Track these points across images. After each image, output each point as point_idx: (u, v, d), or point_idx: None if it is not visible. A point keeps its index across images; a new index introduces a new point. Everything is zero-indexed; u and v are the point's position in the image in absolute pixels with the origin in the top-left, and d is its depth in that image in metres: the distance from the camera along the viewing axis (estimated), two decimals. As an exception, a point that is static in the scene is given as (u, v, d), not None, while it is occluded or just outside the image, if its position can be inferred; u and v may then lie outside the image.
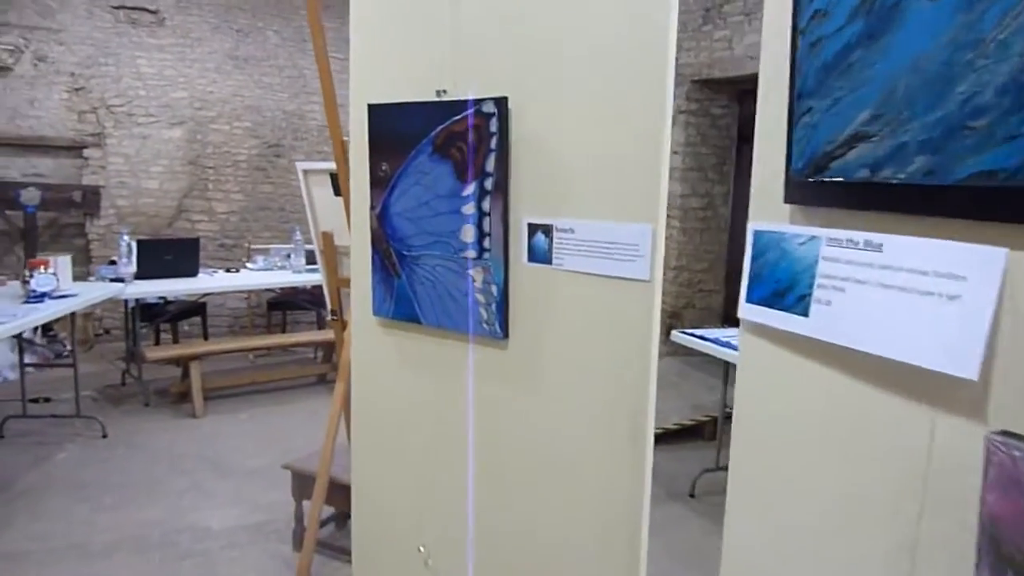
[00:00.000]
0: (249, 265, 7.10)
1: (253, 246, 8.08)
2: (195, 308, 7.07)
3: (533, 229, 1.85)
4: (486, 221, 1.89)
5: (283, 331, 7.89)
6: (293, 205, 8.62)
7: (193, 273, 6.18)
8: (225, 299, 8.15)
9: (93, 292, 5.26)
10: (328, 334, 6.63)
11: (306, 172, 3.56)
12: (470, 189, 1.91)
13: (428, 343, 2.11)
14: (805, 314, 1.05)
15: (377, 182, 2.10)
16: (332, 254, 3.59)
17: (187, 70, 8.14)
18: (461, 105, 1.89)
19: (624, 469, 1.72)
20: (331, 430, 3.50)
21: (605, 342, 1.75)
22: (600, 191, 1.73)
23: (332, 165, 3.49)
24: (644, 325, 1.68)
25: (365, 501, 2.37)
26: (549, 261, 1.83)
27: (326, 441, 3.47)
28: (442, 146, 1.94)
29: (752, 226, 1.22)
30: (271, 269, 6.85)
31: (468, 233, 1.93)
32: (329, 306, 3.77)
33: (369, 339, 2.26)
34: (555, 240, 1.82)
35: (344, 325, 3.81)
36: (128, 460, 4.91)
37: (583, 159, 1.75)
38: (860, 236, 0.97)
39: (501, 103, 1.82)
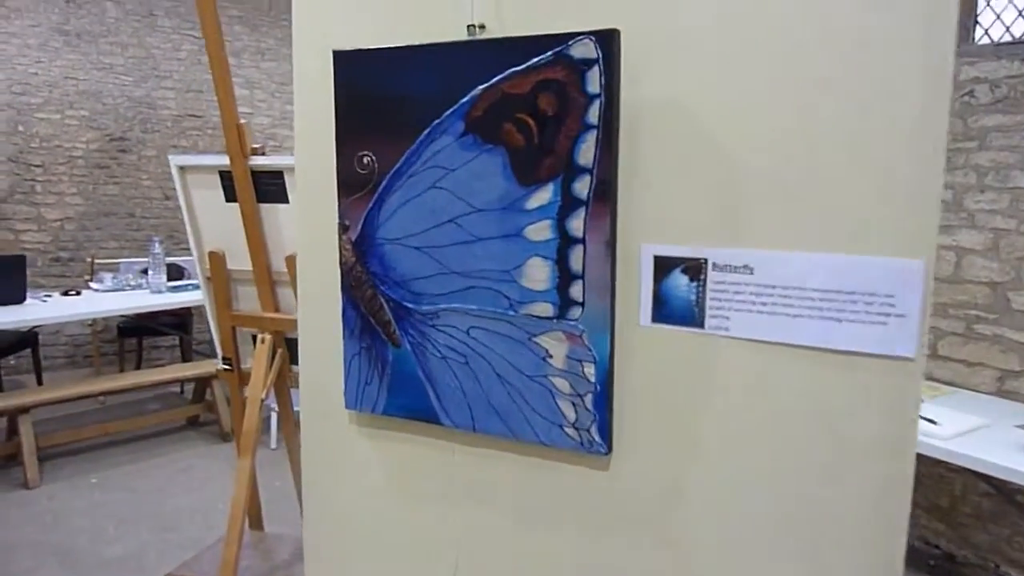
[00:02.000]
0: (94, 285, 5.77)
1: (97, 260, 6.69)
2: (23, 340, 5.66)
3: (666, 266, 1.06)
4: (575, 252, 1.07)
5: (139, 364, 6.56)
6: (147, 210, 7.28)
7: (19, 299, 4.84)
8: (63, 325, 6.70)
9: None
10: (202, 366, 5.47)
11: (183, 169, 2.55)
12: (543, 196, 1.08)
13: (455, 461, 1.26)
14: None
15: (351, 185, 1.23)
16: (223, 281, 2.61)
17: (2, 46, 6.61)
18: (524, 48, 1.06)
19: None
20: (235, 525, 2.53)
21: (817, 480, 0.99)
22: (809, 201, 0.96)
23: (222, 160, 2.51)
24: (901, 446, 0.94)
25: None
26: (697, 322, 1.04)
27: (228, 539, 2.50)
28: (484, 122, 1.10)
29: None
30: (122, 289, 5.57)
31: (538, 273, 1.10)
32: (220, 352, 2.77)
33: (338, 450, 1.37)
34: (710, 285, 1.03)
35: (242, 378, 2.83)
36: (-71, 561, 3.63)
37: (773, 143, 0.97)
38: None
39: (607, 41, 1.01)
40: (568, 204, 1.06)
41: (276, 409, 3.60)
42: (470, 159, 1.12)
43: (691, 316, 1.05)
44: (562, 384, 1.12)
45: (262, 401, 2.56)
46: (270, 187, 2.41)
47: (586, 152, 1.04)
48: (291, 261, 2.42)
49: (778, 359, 0.99)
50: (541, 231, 1.09)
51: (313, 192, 1.31)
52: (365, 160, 1.21)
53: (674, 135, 1.02)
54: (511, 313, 1.13)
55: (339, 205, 1.25)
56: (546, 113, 1.06)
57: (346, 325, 1.28)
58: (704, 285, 1.03)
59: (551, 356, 1.12)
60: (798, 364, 0.98)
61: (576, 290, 1.08)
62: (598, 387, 1.09)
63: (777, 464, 1.01)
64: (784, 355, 0.99)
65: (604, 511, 1.14)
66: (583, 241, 1.06)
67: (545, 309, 1.11)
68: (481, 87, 1.09)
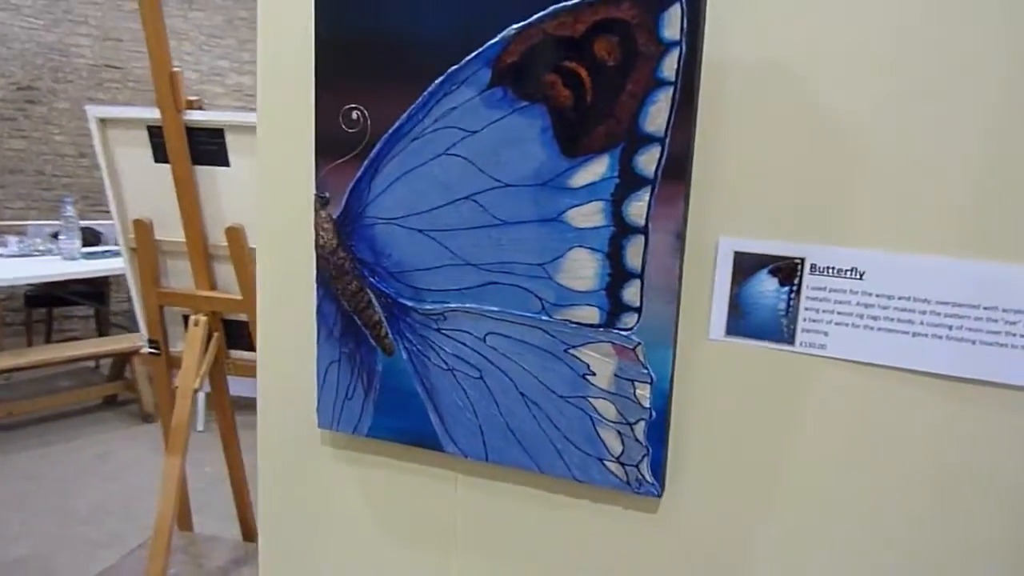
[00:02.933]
0: (-3, 249, 5.23)
1: (2, 222, 6.10)
2: (-88, 309, 5.10)
3: (749, 266, 0.83)
4: (633, 245, 0.84)
5: (49, 337, 6.05)
6: (59, 167, 6.68)
7: (-94, 263, 4.32)
8: (-41, 292, 6.11)
9: None
10: (120, 341, 5.03)
11: (104, 123, 2.19)
12: (595, 171, 0.84)
13: (459, 498, 1.02)
14: None
15: (334, 147, 0.96)
16: (150, 253, 2.28)
17: None
18: (578, -25, 0.81)
19: None
20: (162, 534, 2.24)
21: (943, 551, 0.79)
22: (943, 192, 0.75)
23: (151, 113, 2.18)
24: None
25: None
26: (785, 336, 0.83)
27: (153, 550, 2.21)
28: (519, 72, 0.85)
29: None
30: (30, 255, 5.07)
31: (582, 269, 0.87)
32: (145, 333, 2.45)
33: (307, 478, 1.11)
34: (806, 292, 0.81)
35: (170, 362, 2.52)
36: None
37: (899, 116, 0.75)
38: None
39: (693, -28, 0.77)
40: (628, 183, 0.83)
41: (204, 390, 3.26)
42: (498, 119, 0.87)
43: (777, 329, 0.83)
44: (606, 408, 0.89)
45: (195, 391, 2.25)
46: (208, 147, 2.09)
47: (656, 117, 0.80)
48: (234, 234, 2.11)
49: (892, 388, 0.79)
50: (589, 216, 0.85)
51: (278, 155, 1.04)
52: (354, 115, 0.94)
53: (769, 101, 0.79)
54: (543, 318, 0.90)
55: (316, 172, 0.97)
56: (604, 63, 0.81)
57: (322, 324, 1.02)
58: (798, 291, 0.82)
59: (593, 373, 0.89)
60: (919, 395, 0.78)
61: (632, 292, 0.85)
62: (654, 414, 0.87)
63: (884, 524, 0.81)
64: (900, 383, 0.79)
65: (651, 566, 0.92)
66: (645, 230, 0.83)
67: (589, 315, 0.87)
68: (516, 26, 0.84)
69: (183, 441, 2.22)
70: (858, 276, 0.79)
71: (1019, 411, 0.75)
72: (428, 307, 0.95)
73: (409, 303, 0.96)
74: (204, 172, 2.09)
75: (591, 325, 0.87)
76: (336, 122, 0.95)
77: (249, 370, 2.43)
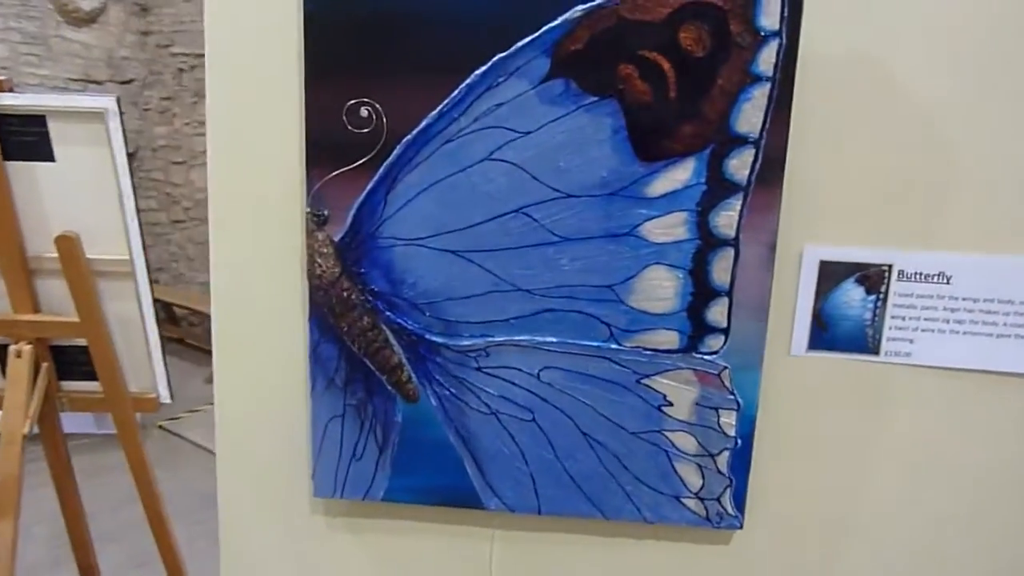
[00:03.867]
0: None
1: None
2: None
3: (834, 275, 0.78)
4: (721, 259, 0.75)
5: None
6: None
7: None
8: None
9: None
10: None
11: None
12: (678, 177, 0.73)
13: (498, 557, 0.88)
14: None
15: (336, 152, 0.76)
16: None
17: None
18: (659, -51, 0.69)
19: None
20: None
21: None
22: (1005, 191, 0.74)
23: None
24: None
25: None
26: (870, 347, 0.79)
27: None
28: (586, 61, 0.72)
29: None
30: None
31: (660, 289, 0.76)
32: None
33: (296, 560, 0.90)
34: (893, 299, 0.78)
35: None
36: None
37: (987, 110, 0.73)
38: None
39: (793, -47, 0.69)
40: (717, 190, 0.73)
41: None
42: (558, 117, 0.73)
43: (862, 340, 0.79)
44: (685, 442, 0.80)
45: (24, 437, 1.85)
46: (26, 138, 1.68)
47: (751, 116, 0.71)
48: (66, 244, 1.73)
49: (980, 392, 0.78)
50: (671, 229, 0.74)
51: (241, 160, 0.81)
52: (363, 113, 0.75)
53: (858, 100, 0.73)
54: (612, 347, 0.78)
55: (308, 183, 0.77)
56: (691, 54, 0.71)
57: (319, 372, 0.82)
58: (885, 299, 0.78)
59: (670, 404, 0.79)
60: (1006, 394, 0.78)
61: (718, 312, 0.76)
62: (738, 442, 0.79)
63: (979, 532, 0.81)
64: (987, 386, 0.78)
65: (731, 601, 0.85)
66: (735, 243, 0.74)
67: (668, 339, 0.77)
68: (583, 7, 0.70)
69: (14, 500, 1.80)
70: (945, 281, 0.77)
71: (1093, 404, 0.77)
72: (466, 343, 0.79)
73: (439, 339, 0.79)
74: (20, 169, 1.67)
75: (669, 351, 0.77)
76: (337, 122, 0.75)
77: (88, 404, 2.04)
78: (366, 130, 0.75)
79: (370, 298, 0.79)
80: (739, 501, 0.81)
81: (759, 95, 0.71)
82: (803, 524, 0.83)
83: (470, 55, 0.73)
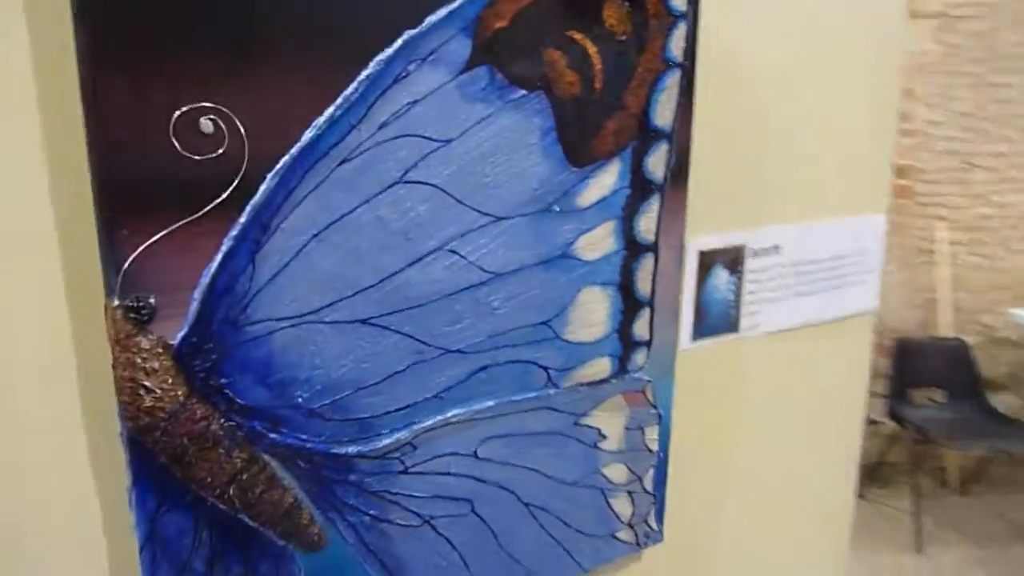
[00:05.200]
0: None
1: None
2: None
3: (707, 263, 0.77)
4: (643, 267, 0.67)
5: None
6: None
7: None
8: None
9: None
10: None
11: None
12: (605, 183, 0.62)
13: None
14: None
15: (157, 198, 0.44)
16: None
17: None
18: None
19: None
20: None
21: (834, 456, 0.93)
22: (821, 162, 0.84)
23: None
24: (853, 401, 0.97)
25: None
26: (732, 325, 0.81)
27: None
28: (511, 44, 0.55)
29: None
30: None
31: (593, 313, 0.64)
32: None
33: None
34: (747, 277, 0.81)
35: None
36: None
37: (805, 96, 0.80)
38: None
39: (689, -72, 0.63)
40: (639, 192, 0.64)
41: None
42: (483, 118, 0.54)
43: (727, 320, 0.80)
44: (618, 473, 0.71)
45: None
46: None
47: (665, 107, 0.64)
48: None
49: (797, 349, 0.87)
50: (601, 243, 0.63)
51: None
52: (206, 127, 0.44)
53: (727, 91, 0.72)
54: (550, 392, 0.64)
55: (111, 257, 0.43)
56: (615, 35, 0.59)
57: (161, 563, 0.48)
58: (741, 279, 0.80)
59: (604, 437, 0.69)
60: (805, 349, 0.88)
61: (642, 325, 0.68)
62: (661, 454, 0.74)
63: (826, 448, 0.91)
64: (802, 342, 0.87)
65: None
66: (654, 247, 0.67)
67: (601, 368, 0.66)
68: (503, -28, 0.53)
69: None
70: (777, 251, 0.83)
71: (856, 329, 0.93)
72: (387, 442, 0.56)
73: (351, 449, 0.54)
74: None
75: (602, 381, 0.67)
76: (161, 144, 0.43)
77: None
78: (212, 155, 0.45)
79: (241, 420, 0.49)
80: (660, 515, 0.76)
81: (672, 84, 0.64)
82: (696, 500, 0.83)
83: (369, 33, 0.49)
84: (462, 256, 0.56)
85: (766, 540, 0.91)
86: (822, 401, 0.92)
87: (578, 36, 0.58)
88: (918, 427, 2.63)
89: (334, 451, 0.54)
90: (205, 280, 0.46)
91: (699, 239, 0.75)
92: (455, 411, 0.59)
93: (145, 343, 0.45)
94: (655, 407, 0.72)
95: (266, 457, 0.51)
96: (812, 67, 0.80)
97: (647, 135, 0.64)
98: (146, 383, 0.45)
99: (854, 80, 0.84)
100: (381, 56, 0.49)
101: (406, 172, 0.52)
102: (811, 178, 0.83)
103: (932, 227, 2.90)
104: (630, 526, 0.74)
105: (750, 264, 0.80)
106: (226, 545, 0.51)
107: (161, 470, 0.47)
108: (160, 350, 0.46)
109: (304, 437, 0.52)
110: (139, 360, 0.45)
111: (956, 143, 2.78)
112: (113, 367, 0.44)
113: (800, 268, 0.85)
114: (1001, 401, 2.91)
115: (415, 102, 0.51)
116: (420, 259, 0.54)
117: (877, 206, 0.91)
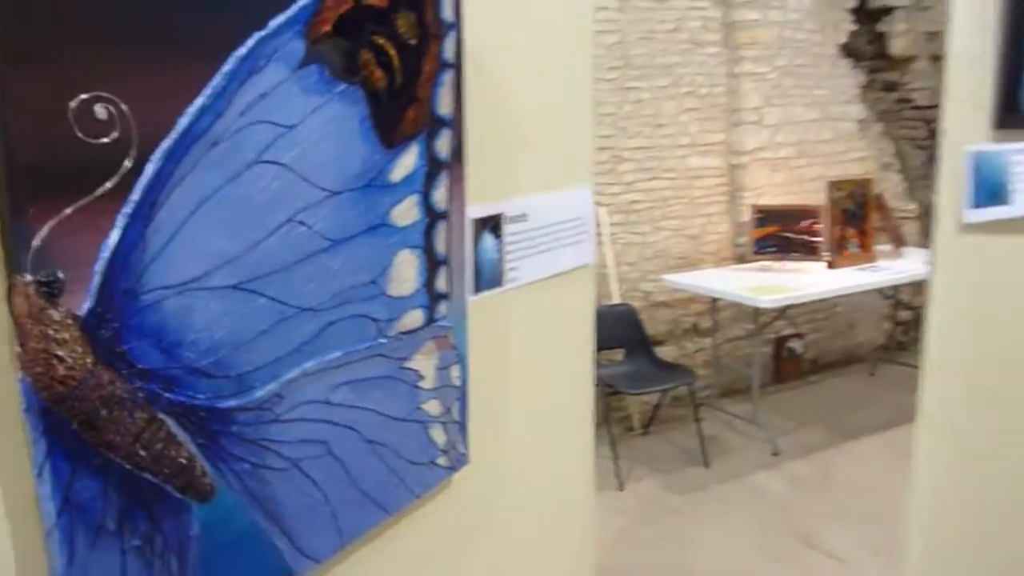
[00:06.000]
0: None
1: None
2: None
3: (479, 228, 0.94)
4: (440, 232, 0.81)
5: None
6: None
7: None
8: None
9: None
10: None
11: None
12: (409, 162, 0.76)
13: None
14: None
15: (58, 181, 0.47)
16: None
17: None
18: (373, -67, 0.68)
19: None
20: None
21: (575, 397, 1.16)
22: (549, 143, 1.07)
23: None
24: (584, 336, 1.23)
25: None
26: (498, 280, 0.99)
27: None
28: (336, 45, 0.65)
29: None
30: None
31: (407, 271, 0.77)
32: None
33: None
34: (506, 240, 0.99)
35: None
36: None
37: (534, 90, 1.01)
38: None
39: (450, -45, 0.78)
40: (433, 169, 0.79)
41: None
42: (317, 108, 0.64)
43: (496, 275, 0.98)
44: (433, 407, 0.84)
45: None
46: None
47: (445, 99, 0.79)
48: None
49: (541, 298, 1.08)
50: (408, 212, 0.76)
51: None
52: (100, 113, 0.48)
53: (484, 87, 0.90)
54: (381, 341, 0.75)
55: (20, 234, 0.46)
56: (406, 41, 0.73)
57: (78, 526, 0.50)
58: (502, 241, 0.98)
59: (423, 377, 0.82)
60: (546, 297, 1.10)
61: (442, 280, 0.82)
62: (463, 389, 0.89)
63: (538, 392, 1.12)
64: (544, 291, 1.09)
65: (453, 532, 0.95)
66: (446, 215, 0.82)
67: (415, 319, 0.79)
68: (325, -17, 0.64)
69: None
70: (524, 219, 1.03)
71: (580, 281, 1.18)
72: (260, 394, 0.63)
73: (233, 403, 0.61)
74: None
75: (418, 329, 0.80)
76: (61, 129, 0.47)
77: None
78: (106, 139, 0.50)
79: (141, 383, 0.54)
80: (465, 440, 0.92)
81: (448, 81, 0.79)
82: (493, 448, 1.00)
83: (228, 30, 0.56)
84: (308, 226, 0.66)
85: (538, 454, 1.11)
86: (565, 337, 1.15)
87: (382, 40, 0.70)
88: (607, 383, 3.13)
89: (218, 406, 0.60)
90: (105, 255, 0.50)
91: (473, 208, 0.92)
92: (311, 363, 0.68)
93: (56, 315, 0.48)
94: (456, 349, 0.87)
95: (162, 416, 0.56)
96: (536, 76, 1.01)
97: (435, 122, 0.78)
98: (59, 352, 0.49)
99: (564, 84, 1.07)
100: (237, 53, 0.57)
101: (261, 154, 0.60)
102: (542, 157, 1.05)
103: (597, 212, 3.45)
104: (445, 452, 0.88)
105: (508, 229, 0.99)
106: (132, 503, 0.55)
107: (73, 436, 0.50)
108: (70, 321, 0.49)
109: (193, 395, 0.58)
110: (51, 332, 0.48)
111: (610, 140, 3.34)
112: (25, 341, 0.47)
113: (542, 231, 1.06)
114: (665, 352, 3.57)
115: (266, 94, 0.60)
116: (276, 229, 0.63)
117: (585, 179, 1.16)
